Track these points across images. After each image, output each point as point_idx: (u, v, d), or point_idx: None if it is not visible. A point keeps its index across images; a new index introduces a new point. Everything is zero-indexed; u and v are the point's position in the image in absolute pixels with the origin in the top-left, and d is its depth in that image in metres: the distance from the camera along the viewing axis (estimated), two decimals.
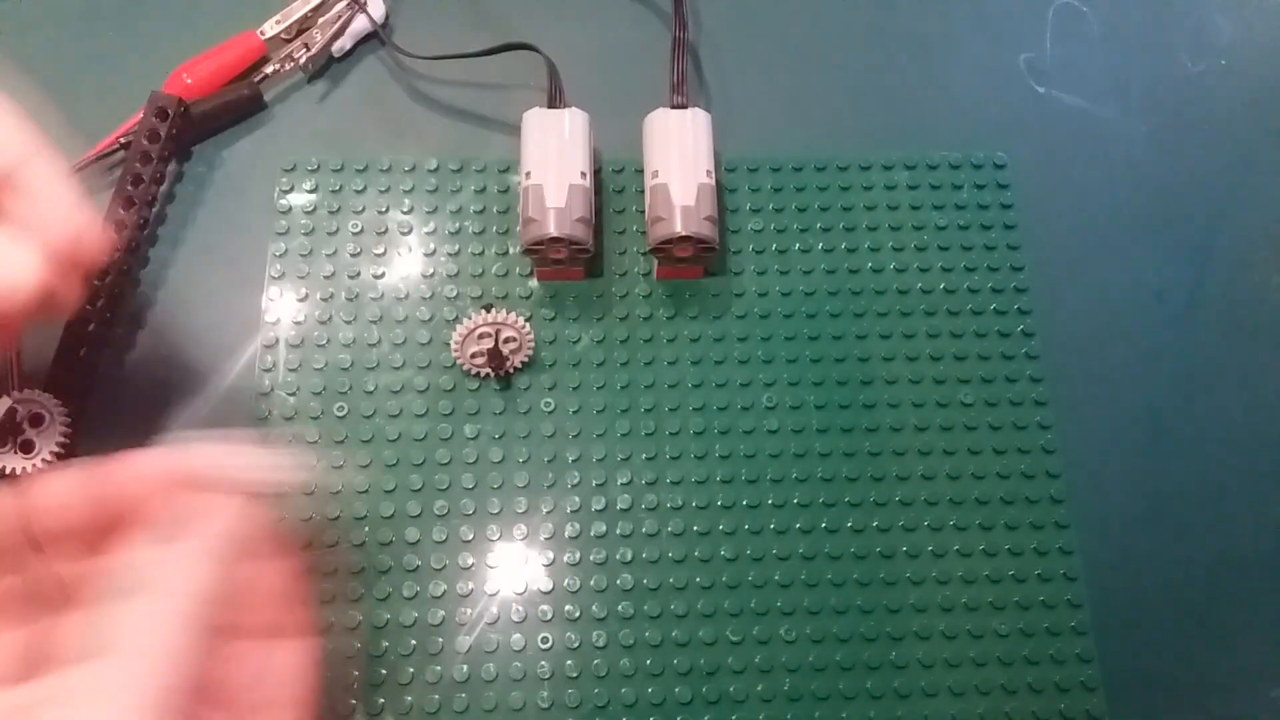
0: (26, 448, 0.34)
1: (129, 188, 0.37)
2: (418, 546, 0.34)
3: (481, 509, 0.35)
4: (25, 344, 0.35)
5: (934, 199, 0.40)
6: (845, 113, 0.43)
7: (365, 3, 0.42)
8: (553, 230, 0.35)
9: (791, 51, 0.44)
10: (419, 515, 0.35)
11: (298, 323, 0.37)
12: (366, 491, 0.35)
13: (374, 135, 0.41)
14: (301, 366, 0.37)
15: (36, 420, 0.34)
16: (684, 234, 0.35)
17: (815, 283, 0.39)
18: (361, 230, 0.39)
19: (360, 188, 0.40)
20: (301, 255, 0.38)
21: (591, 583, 0.34)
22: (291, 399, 0.36)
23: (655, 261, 0.38)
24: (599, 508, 0.35)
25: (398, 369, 0.37)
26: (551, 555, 0.34)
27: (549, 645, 0.33)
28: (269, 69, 0.41)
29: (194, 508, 0.23)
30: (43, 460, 0.34)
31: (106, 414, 0.36)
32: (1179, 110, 0.43)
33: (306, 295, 0.38)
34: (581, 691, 0.33)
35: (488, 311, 0.35)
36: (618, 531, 0.35)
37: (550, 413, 0.36)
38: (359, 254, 0.39)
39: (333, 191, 0.40)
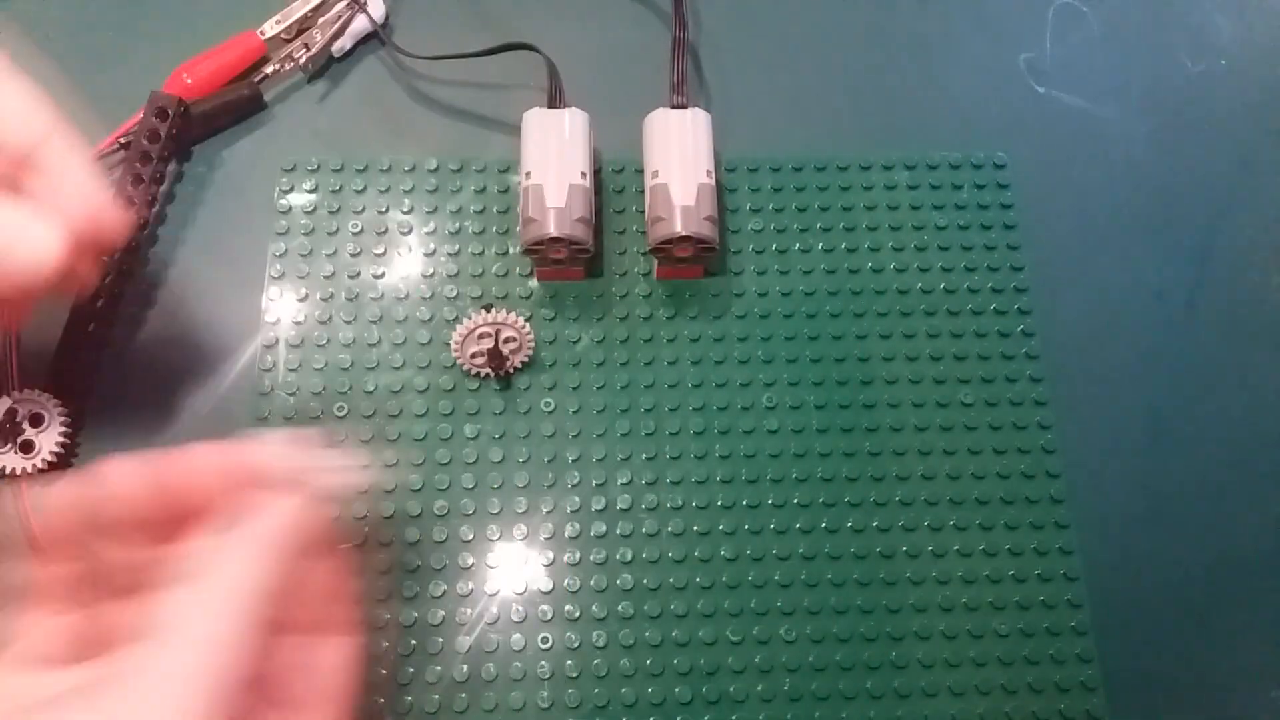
0: (26, 448, 0.34)
1: (129, 188, 0.37)
2: (417, 546, 0.34)
3: (481, 509, 0.35)
4: (25, 343, 0.35)
5: (934, 199, 0.40)
6: (845, 113, 0.43)
7: (365, 3, 0.42)
8: (553, 230, 0.35)
9: (791, 51, 0.44)
10: (419, 515, 0.35)
11: (298, 323, 0.37)
12: (366, 492, 0.35)
13: (374, 135, 0.41)
14: (301, 366, 0.37)
15: (36, 420, 0.34)
16: (684, 234, 0.35)
17: (815, 283, 0.39)
18: (361, 230, 0.39)
19: (360, 188, 0.40)
20: (301, 255, 0.38)
21: (591, 583, 0.34)
22: (291, 399, 0.36)
23: (655, 261, 0.38)
24: (599, 508, 0.35)
25: (398, 369, 0.37)
26: (551, 555, 0.34)
27: (549, 645, 0.33)
28: (269, 69, 0.41)
29: (254, 502, 0.23)
30: (43, 460, 0.34)
31: (106, 414, 0.36)
32: (1179, 110, 0.43)
33: (306, 295, 0.38)
34: (581, 691, 0.33)
35: (488, 311, 0.35)
36: (618, 531, 0.35)
37: (550, 413, 0.36)
38: (359, 254, 0.39)
39: (333, 191, 0.40)
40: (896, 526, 0.35)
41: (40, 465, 0.34)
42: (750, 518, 0.35)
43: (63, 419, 0.34)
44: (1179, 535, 0.36)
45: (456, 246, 0.39)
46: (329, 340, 0.37)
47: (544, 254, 0.36)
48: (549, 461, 0.36)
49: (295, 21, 0.42)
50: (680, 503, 0.35)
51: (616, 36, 0.44)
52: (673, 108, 0.38)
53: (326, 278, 0.38)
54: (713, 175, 0.36)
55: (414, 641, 0.33)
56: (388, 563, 0.34)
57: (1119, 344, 0.39)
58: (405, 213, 0.39)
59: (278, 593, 0.22)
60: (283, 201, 0.39)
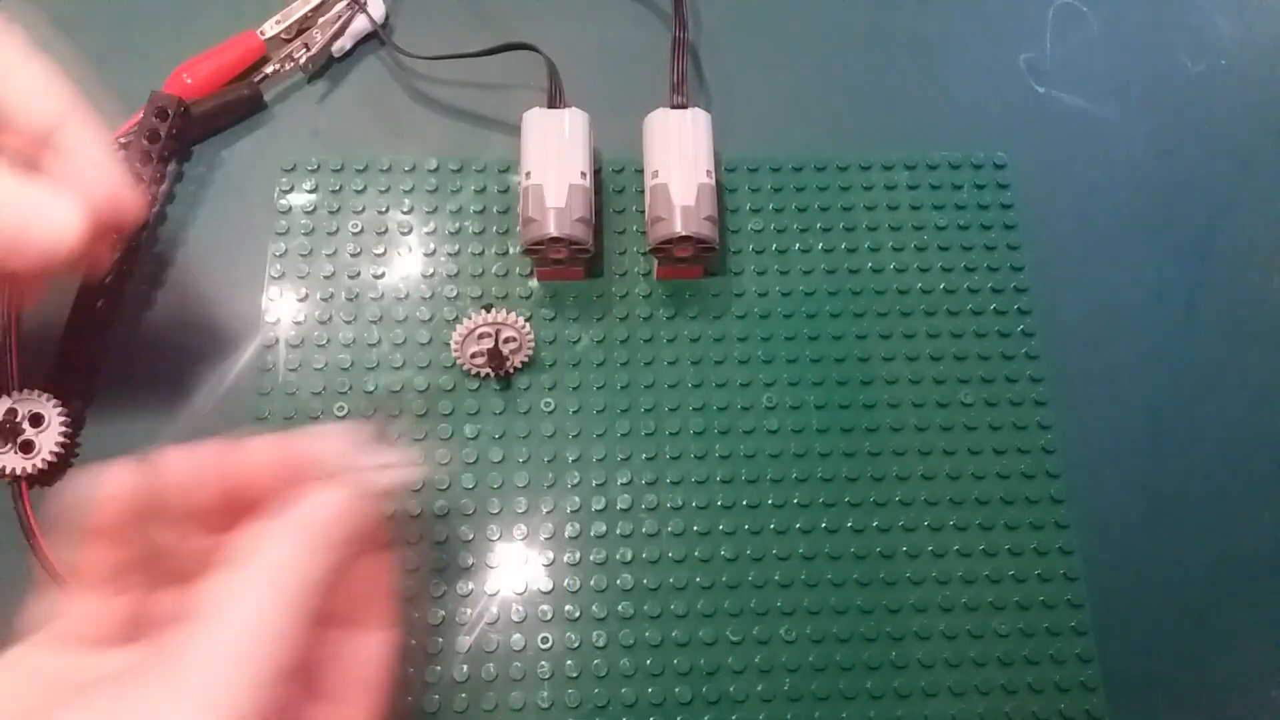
0: (26, 448, 0.34)
1: None
2: (417, 546, 0.34)
3: (481, 509, 0.35)
4: (25, 344, 0.35)
5: (934, 199, 0.40)
6: (845, 113, 0.43)
7: (365, 3, 0.42)
8: (553, 230, 0.35)
9: (791, 51, 0.44)
10: (418, 515, 0.35)
11: (298, 323, 0.37)
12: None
13: (374, 135, 0.41)
14: (301, 366, 0.37)
15: (36, 420, 0.34)
16: (684, 234, 0.35)
17: (815, 283, 0.39)
18: (361, 230, 0.39)
19: (360, 188, 0.40)
20: (301, 255, 0.38)
21: (591, 583, 0.34)
22: (291, 399, 0.36)
23: (655, 261, 0.38)
24: (599, 508, 0.35)
25: (398, 369, 0.37)
26: (551, 555, 0.34)
27: (549, 645, 0.33)
28: (269, 69, 0.41)
29: (307, 494, 0.23)
30: (43, 460, 0.34)
31: (106, 414, 0.36)
32: (1179, 110, 0.43)
33: (306, 295, 0.38)
34: (581, 691, 0.33)
35: (488, 311, 0.35)
36: (618, 531, 0.35)
37: (550, 413, 0.36)
38: (359, 254, 0.39)
39: (333, 191, 0.40)
40: (896, 526, 0.35)
41: (40, 465, 0.34)
42: (750, 518, 0.35)
43: (63, 419, 0.34)
44: (1179, 535, 0.36)
45: (456, 246, 0.39)
46: (329, 340, 0.37)
47: (544, 254, 0.36)
48: (549, 461, 0.36)
49: (295, 21, 0.42)
50: (680, 503, 0.35)
51: (616, 36, 0.44)
52: (673, 108, 0.38)
53: (326, 278, 0.38)
54: (713, 175, 0.36)
55: (414, 641, 0.33)
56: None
57: (1119, 344, 0.39)
58: (405, 213, 0.39)
59: (323, 583, 0.22)
60: (283, 201, 0.39)
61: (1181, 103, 0.43)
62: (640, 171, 0.39)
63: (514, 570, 0.34)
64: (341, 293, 0.38)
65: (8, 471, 0.33)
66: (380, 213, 0.39)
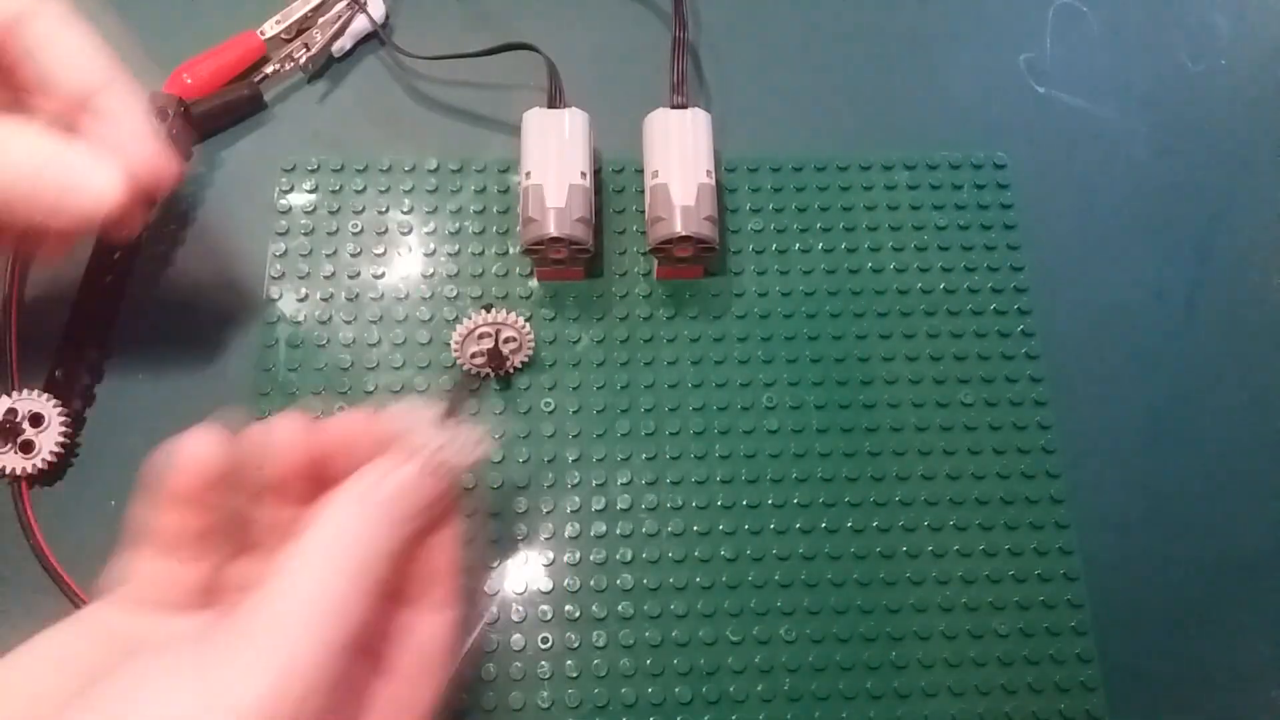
0: (26, 448, 0.34)
1: None
2: None
3: (481, 509, 0.35)
4: (25, 344, 0.35)
5: (934, 199, 0.40)
6: (845, 113, 0.43)
7: (365, 3, 0.42)
8: (553, 230, 0.35)
9: (791, 51, 0.44)
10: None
11: (297, 323, 0.37)
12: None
13: (374, 135, 0.41)
14: (301, 366, 0.37)
15: (36, 420, 0.34)
16: (684, 234, 0.35)
17: (815, 283, 0.39)
18: (361, 230, 0.39)
19: (360, 188, 0.40)
20: (301, 255, 0.38)
21: (591, 583, 0.34)
22: (291, 399, 0.36)
23: (655, 261, 0.38)
24: (599, 508, 0.35)
25: (398, 369, 0.37)
26: (551, 555, 0.34)
27: (549, 645, 0.33)
28: (269, 69, 0.41)
29: (376, 467, 0.23)
30: (43, 460, 0.34)
31: (106, 414, 0.36)
32: (1179, 110, 0.43)
33: (306, 295, 0.38)
34: (581, 691, 0.33)
35: (488, 311, 0.35)
36: (618, 531, 0.35)
37: (550, 413, 0.36)
38: (359, 254, 0.39)
39: (333, 191, 0.40)
40: (896, 526, 0.35)
41: (40, 465, 0.34)
42: (750, 518, 0.35)
43: (63, 419, 0.34)
44: (1179, 535, 0.36)
45: (456, 246, 0.39)
46: (329, 340, 0.37)
47: (544, 254, 0.36)
48: (549, 461, 0.36)
49: (295, 21, 0.42)
50: (680, 503, 0.35)
51: (616, 36, 0.44)
52: (673, 108, 0.38)
53: (326, 278, 0.38)
54: (713, 175, 0.36)
55: None
56: None
57: (1119, 344, 0.39)
58: (405, 213, 0.39)
59: (389, 555, 0.22)
60: (283, 201, 0.39)
61: (1181, 103, 0.43)
62: (640, 171, 0.39)
63: (514, 570, 0.34)
64: (341, 293, 0.38)
65: (8, 471, 0.33)
66: (380, 213, 0.39)
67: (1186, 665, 0.34)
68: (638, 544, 0.35)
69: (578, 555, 0.34)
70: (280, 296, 0.38)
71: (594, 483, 0.35)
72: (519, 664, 0.33)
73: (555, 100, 0.38)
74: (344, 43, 0.42)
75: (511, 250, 0.39)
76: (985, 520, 0.35)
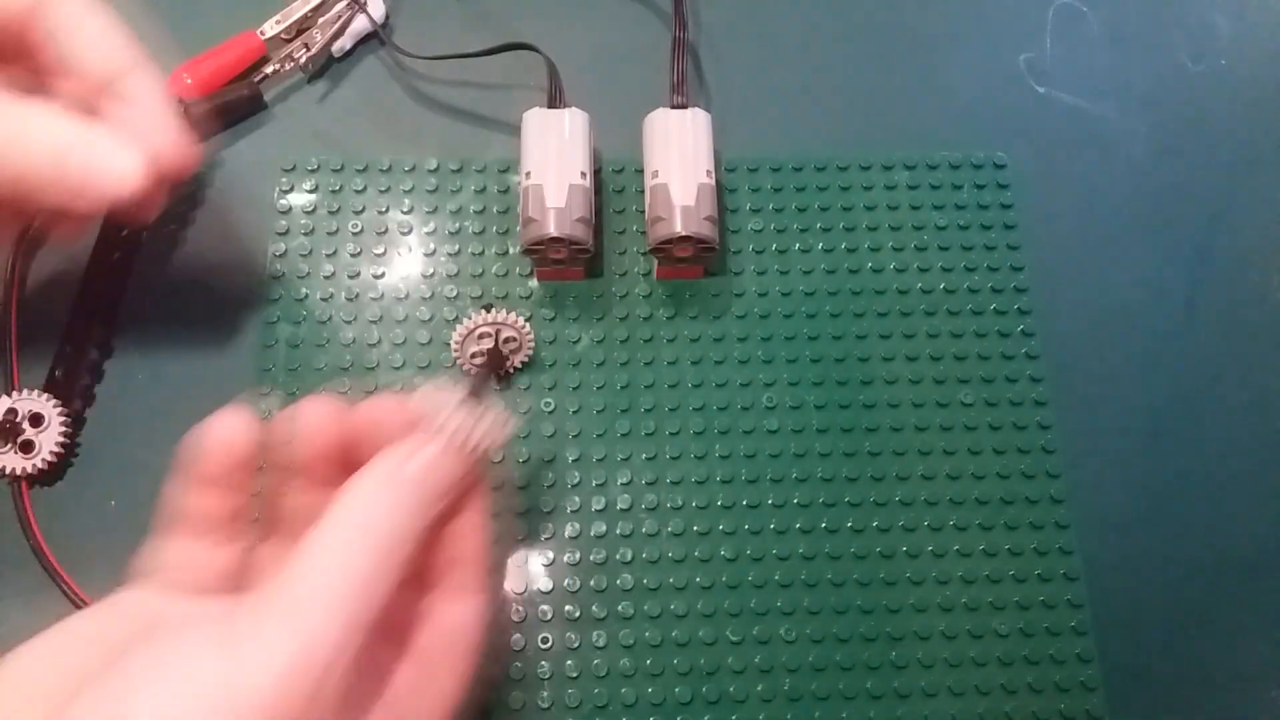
0: (26, 448, 0.34)
1: None
2: None
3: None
4: (25, 344, 0.35)
5: (934, 199, 0.40)
6: (845, 113, 0.43)
7: (365, 3, 0.42)
8: (553, 230, 0.35)
9: (791, 51, 0.44)
10: None
11: (297, 323, 0.37)
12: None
13: (374, 135, 0.41)
14: (301, 367, 0.37)
15: (36, 420, 0.34)
16: (684, 234, 0.35)
17: (815, 283, 0.39)
18: (361, 230, 0.39)
19: (360, 188, 0.40)
20: (301, 255, 0.38)
21: (591, 583, 0.34)
22: (291, 399, 0.36)
23: (655, 261, 0.38)
24: (599, 508, 0.35)
25: (398, 369, 0.37)
26: (551, 555, 0.34)
27: (549, 645, 0.33)
28: (269, 69, 0.41)
29: (408, 448, 0.23)
30: (43, 460, 0.34)
31: (106, 414, 0.36)
32: (1179, 110, 0.43)
33: (306, 295, 0.38)
34: (581, 691, 0.33)
35: (488, 311, 0.35)
36: (618, 531, 0.35)
37: (550, 413, 0.36)
38: (359, 254, 0.39)
39: (333, 191, 0.40)
40: (896, 526, 0.35)
41: (40, 465, 0.34)
42: (750, 518, 0.35)
43: (63, 419, 0.34)
44: (1179, 535, 0.36)
45: (456, 246, 0.39)
46: (329, 340, 0.37)
47: (544, 254, 0.36)
48: (549, 461, 0.36)
49: (295, 21, 0.42)
50: (680, 503, 0.35)
51: (616, 36, 0.44)
52: (673, 108, 0.38)
53: (326, 278, 0.38)
54: (713, 175, 0.36)
55: None
56: None
57: (1119, 344, 0.39)
58: (405, 213, 0.39)
59: (414, 534, 0.22)
60: (283, 201, 0.39)
61: (1181, 103, 0.43)
62: (640, 171, 0.39)
63: (514, 570, 0.34)
64: (341, 293, 0.38)
65: (8, 471, 0.33)
66: (380, 213, 0.39)
67: (1186, 665, 0.34)
68: (638, 544, 0.35)
69: (578, 555, 0.34)
70: (280, 297, 0.38)
71: (594, 483, 0.35)
72: (519, 664, 0.33)
73: (555, 100, 0.38)
74: (344, 43, 0.42)
75: (511, 250, 0.39)
76: (985, 520, 0.35)
